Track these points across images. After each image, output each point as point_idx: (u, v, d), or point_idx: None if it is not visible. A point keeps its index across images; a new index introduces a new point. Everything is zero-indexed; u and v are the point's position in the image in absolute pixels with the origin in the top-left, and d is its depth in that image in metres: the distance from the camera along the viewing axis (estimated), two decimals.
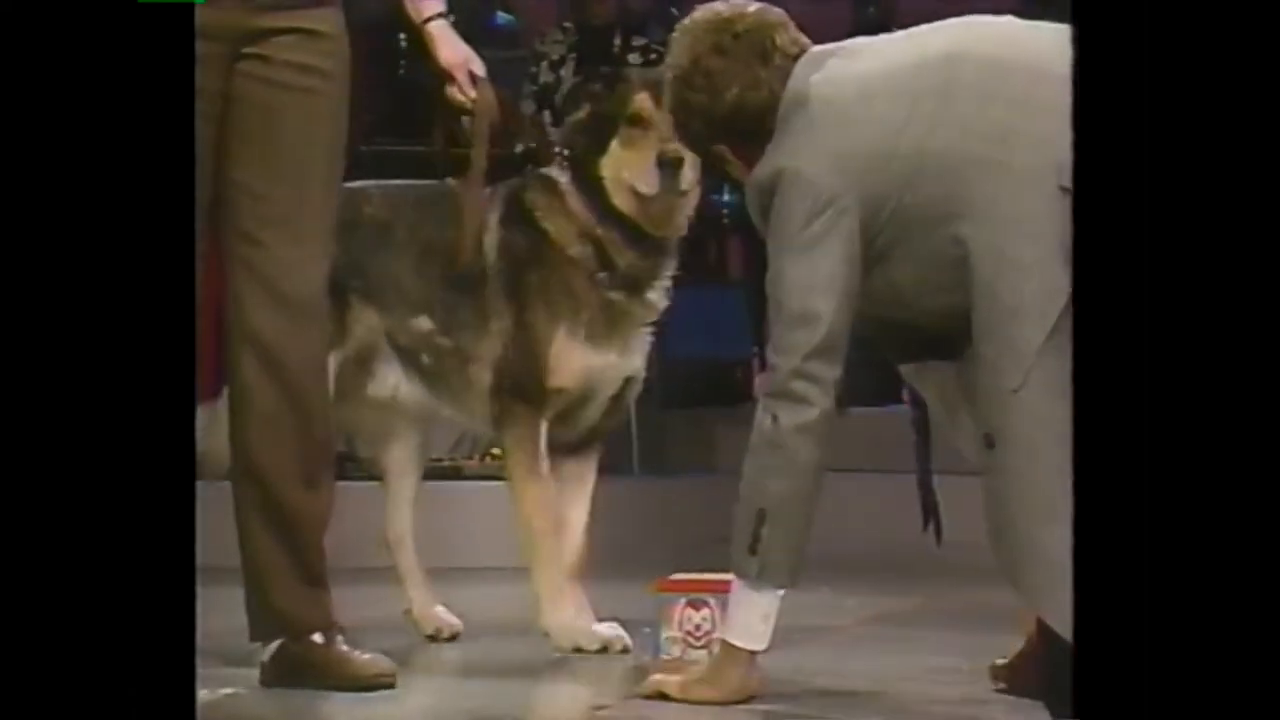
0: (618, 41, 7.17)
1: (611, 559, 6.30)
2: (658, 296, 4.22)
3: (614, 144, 4.15)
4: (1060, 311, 3.08)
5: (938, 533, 3.53)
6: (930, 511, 3.53)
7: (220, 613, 3.79)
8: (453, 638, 4.38)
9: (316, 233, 3.62)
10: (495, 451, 6.15)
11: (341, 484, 4.18)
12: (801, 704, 3.50)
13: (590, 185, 4.17)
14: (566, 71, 7.18)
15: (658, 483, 6.92)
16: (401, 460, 4.51)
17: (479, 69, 3.94)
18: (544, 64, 7.20)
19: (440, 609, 4.43)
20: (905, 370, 3.50)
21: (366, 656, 3.63)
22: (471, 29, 7.76)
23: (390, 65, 7.22)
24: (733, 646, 3.37)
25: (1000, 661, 3.55)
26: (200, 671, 3.60)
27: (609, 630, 4.13)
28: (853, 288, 3.29)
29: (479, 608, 4.56)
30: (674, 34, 3.56)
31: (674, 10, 8.57)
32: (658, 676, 3.51)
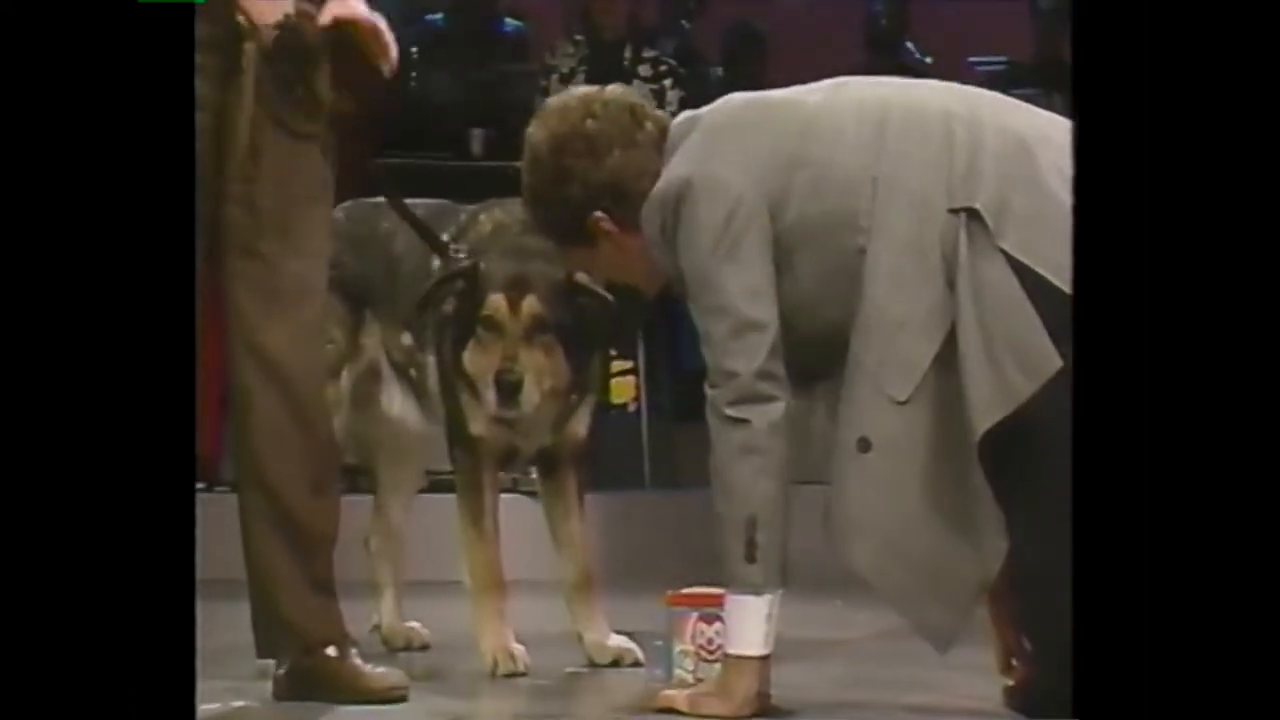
0: (628, 55, 7.16)
1: (623, 572, 6.31)
2: (514, 410, 3.98)
3: (471, 343, 3.99)
4: (947, 330, 3.24)
5: None
6: None
7: (234, 625, 3.81)
8: (423, 648, 4.41)
9: (315, 243, 3.62)
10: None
11: (360, 498, 4.21)
12: (812, 717, 3.50)
13: (456, 380, 4.04)
14: (577, 85, 7.18)
15: (669, 496, 6.92)
16: (395, 475, 4.51)
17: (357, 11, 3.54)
18: (554, 77, 7.20)
19: (412, 624, 4.45)
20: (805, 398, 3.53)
21: (380, 670, 3.65)
22: (480, 37, 7.82)
23: (400, 78, 7.22)
24: (739, 657, 3.39)
25: (1009, 683, 3.55)
26: (213, 684, 3.64)
27: (622, 643, 4.14)
28: (775, 287, 3.38)
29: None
30: (535, 118, 3.60)
31: (684, 24, 8.62)
32: (667, 691, 3.52)
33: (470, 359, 3.99)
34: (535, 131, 3.58)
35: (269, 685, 3.64)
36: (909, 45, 8.52)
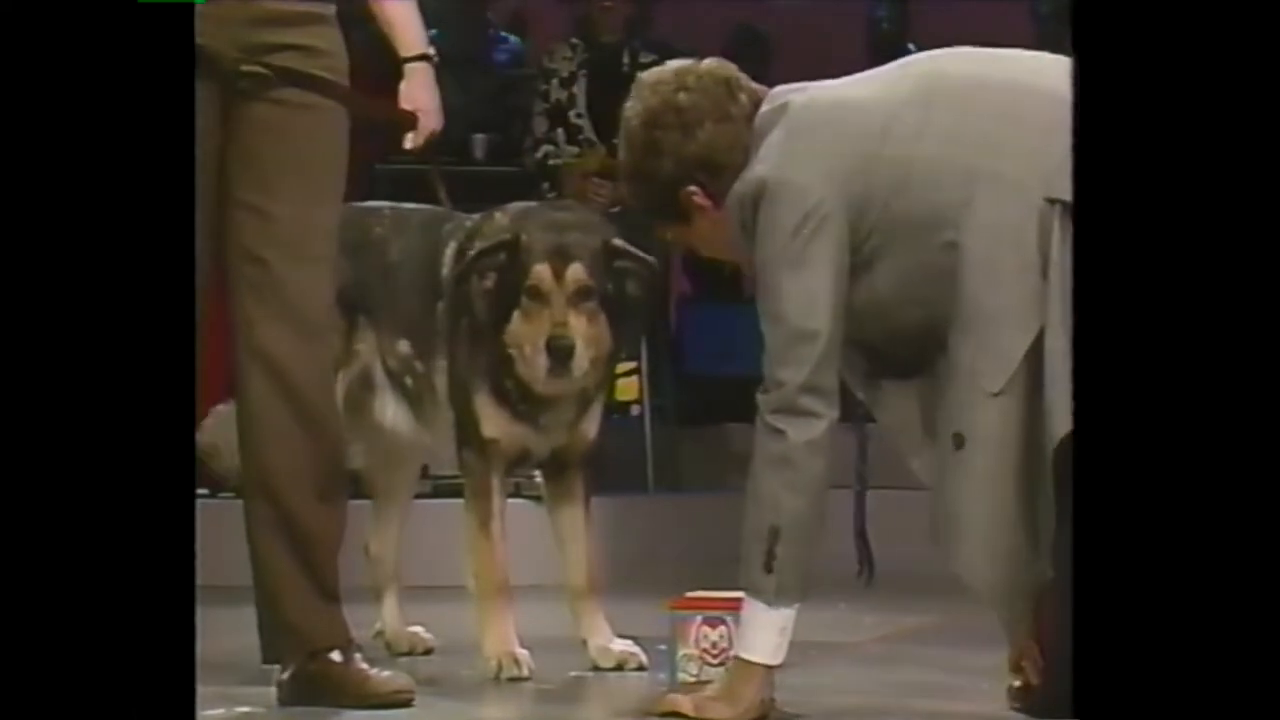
0: (626, 58, 7.16)
1: (627, 576, 6.32)
2: (551, 419, 4.10)
3: (515, 314, 4.01)
4: (1040, 324, 3.18)
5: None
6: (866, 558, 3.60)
7: (240, 631, 3.81)
8: (427, 652, 4.40)
9: (321, 250, 3.63)
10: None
11: (361, 503, 4.21)
12: None
13: (493, 355, 4.05)
14: (579, 89, 7.17)
15: (672, 500, 6.92)
16: (391, 483, 4.50)
17: (434, 123, 3.82)
18: (554, 81, 7.19)
19: (415, 628, 4.45)
20: (864, 393, 3.51)
21: (385, 674, 3.65)
22: (476, 47, 7.80)
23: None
24: (747, 663, 3.38)
25: (1016, 683, 3.54)
26: (217, 689, 3.65)
27: (626, 647, 4.14)
28: (844, 298, 3.33)
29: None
30: (631, 93, 3.57)
31: (686, 26, 8.61)
32: (672, 695, 3.52)
33: (516, 330, 4.01)
34: (630, 106, 3.55)
35: (273, 690, 3.64)
36: (910, 48, 8.52)
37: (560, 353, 3.94)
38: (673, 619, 3.77)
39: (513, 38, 8.26)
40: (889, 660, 4.09)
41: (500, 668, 4.00)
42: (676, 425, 7.34)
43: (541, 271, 3.99)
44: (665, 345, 7.43)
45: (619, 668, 4.12)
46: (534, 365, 3.98)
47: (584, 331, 3.98)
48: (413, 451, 4.45)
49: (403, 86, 3.79)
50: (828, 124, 3.39)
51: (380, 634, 4.42)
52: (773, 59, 8.15)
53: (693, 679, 3.70)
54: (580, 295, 4.00)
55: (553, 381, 4.00)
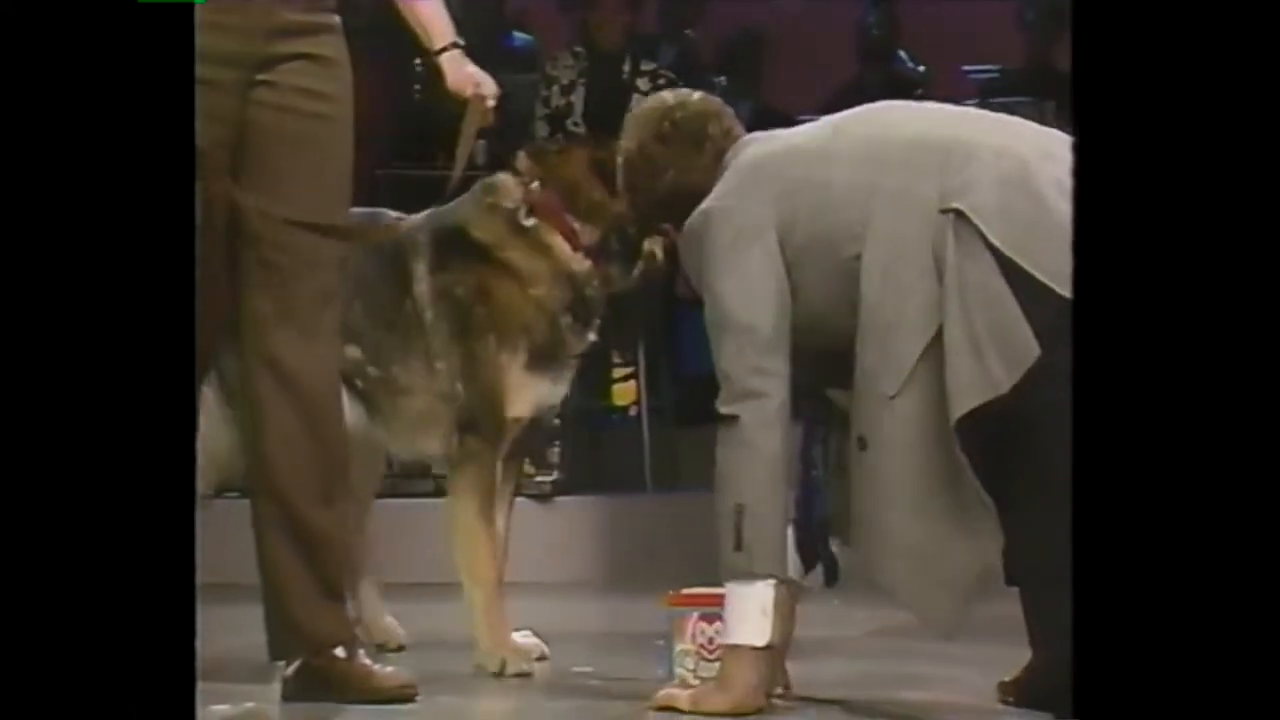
0: (627, 67, 7.19)
1: (625, 573, 6.37)
2: (593, 333, 4.26)
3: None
4: (936, 327, 3.31)
5: (829, 574, 3.68)
6: (814, 554, 3.66)
7: (245, 627, 3.85)
8: (399, 649, 4.44)
9: (330, 256, 3.67)
10: None
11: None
12: (810, 715, 3.54)
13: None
14: (577, 97, 7.20)
15: (670, 498, 6.95)
16: (354, 479, 4.52)
17: (489, 90, 3.98)
18: (555, 88, 7.22)
19: (389, 620, 4.49)
20: (837, 397, 3.59)
21: (388, 670, 3.69)
22: (487, 50, 7.82)
23: (404, 90, 7.26)
24: (737, 649, 3.43)
25: (1007, 678, 3.60)
26: (223, 686, 3.68)
27: (527, 640, 4.22)
28: (785, 302, 3.48)
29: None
30: (625, 122, 3.86)
31: (688, 33, 8.65)
32: (669, 690, 3.56)
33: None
34: (623, 137, 3.83)
35: (278, 686, 3.67)
36: (902, 55, 8.56)
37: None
38: (670, 615, 3.78)
39: (523, 36, 8.29)
40: (882, 654, 4.11)
41: (504, 665, 4.04)
42: (674, 425, 7.37)
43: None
44: (663, 348, 7.48)
45: (540, 660, 4.19)
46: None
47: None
48: (369, 448, 4.42)
49: (449, 77, 3.94)
50: (769, 160, 3.59)
51: (357, 621, 4.42)
52: (767, 65, 8.21)
53: (690, 674, 3.70)
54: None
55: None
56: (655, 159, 3.74)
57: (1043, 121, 3.74)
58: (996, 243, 3.31)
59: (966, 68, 8.34)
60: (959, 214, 3.35)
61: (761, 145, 3.67)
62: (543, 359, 4.18)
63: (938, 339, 3.33)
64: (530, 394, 4.17)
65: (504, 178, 4.26)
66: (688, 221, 3.60)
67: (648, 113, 3.81)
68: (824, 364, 3.51)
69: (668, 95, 3.86)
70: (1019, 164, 3.39)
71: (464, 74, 3.95)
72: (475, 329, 4.16)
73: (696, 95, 3.84)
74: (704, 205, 3.58)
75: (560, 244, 4.19)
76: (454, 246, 4.20)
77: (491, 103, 3.98)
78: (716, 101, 3.83)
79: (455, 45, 3.94)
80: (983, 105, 7.09)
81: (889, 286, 3.39)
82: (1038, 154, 3.41)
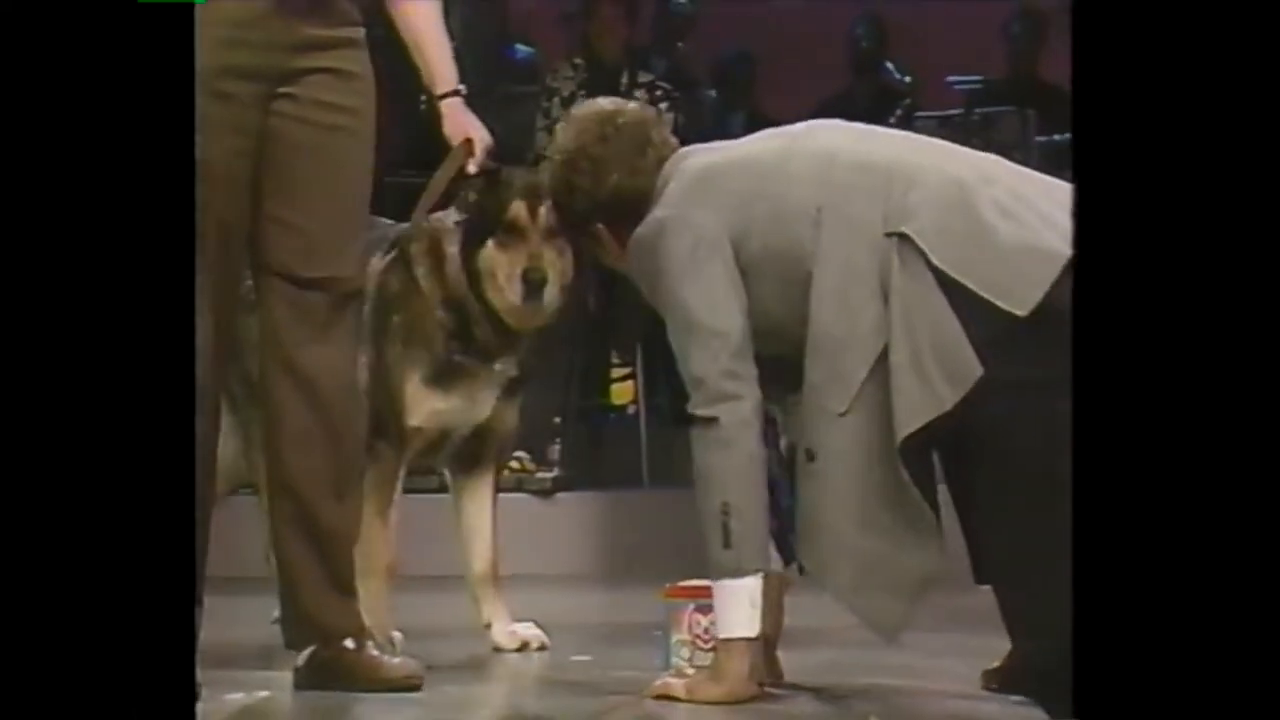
0: (625, 79, 7.26)
1: (623, 567, 6.43)
2: (506, 366, 4.32)
3: (490, 243, 4.23)
4: (883, 347, 3.40)
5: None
6: (789, 546, 3.73)
7: (258, 619, 3.95)
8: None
9: (349, 263, 3.74)
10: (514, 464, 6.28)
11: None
12: (800, 704, 3.60)
13: (468, 268, 4.25)
14: (577, 108, 7.27)
15: (667, 493, 6.98)
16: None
17: (480, 141, 4.04)
18: (555, 99, 7.29)
19: (395, 634, 4.47)
20: (779, 408, 3.70)
21: (396, 660, 3.76)
22: (489, 61, 7.86)
23: (411, 100, 7.32)
24: (729, 641, 3.52)
25: (991, 666, 3.67)
26: (238, 675, 3.76)
27: (527, 630, 4.35)
28: (745, 304, 3.56)
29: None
30: (560, 124, 3.92)
31: (680, 45, 8.71)
32: (664, 679, 3.63)
33: (486, 258, 4.23)
34: (558, 138, 3.88)
35: (290, 675, 3.74)
36: (889, 66, 8.59)
37: (534, 283, 4.18)
38: (667, 607, 3.84)
39: (524, 48, 8.34)
40: (870, 643, 4.15)
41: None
42: (671, 423, 7.43)
43: (519, 207, 4.21)
44: (661, 346, 7.54)
45: (523, 649, 4.32)
46: (508, 293, 4.20)
47: (554, 264, 4.21)
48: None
49: (445, 124, 4.00)
50: (721, 173, 3.66)
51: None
52: (758, 78, 8.27)
53: (686, 664, 3.77)
54: (552, 231, 4.21)
55: (526, 309, 4.22)
56: (599, 160, 3.77)
57: (1025, 130, 3.86)
58: (939, 264, 3.38)
59: (951, 78, 8.37)
60: (903, 237, 3.42)
61: (704, 156, 3.73)
62: (445, 377, 4.25)
63: (884, 358, 3.40)
64: (428, 407, 4.25)
65: (450, 211, 4.32)
66: (639, 230, 3.65)
67: (589, 116, 3.85)
68: (774, 370, 3.59)
69: (604, 101, 3.92)
70: (959, 187, 3.45)
71: (460, 122, 4.00)
72: (389, 333, 4.26)
73: (633, 104, 3.91)
74: (656, 214, 3.64)
75: (454, 274, 4.24)
76: (398, 254, 4.31)
77: (479, 152, 4.03)
78: (654, 110, 3.94)
79: (457, 93, 4.00)
80: (968, 115, 7.19)
81: (838, 307, 3.46)
82: (977, 177, 3.48)
